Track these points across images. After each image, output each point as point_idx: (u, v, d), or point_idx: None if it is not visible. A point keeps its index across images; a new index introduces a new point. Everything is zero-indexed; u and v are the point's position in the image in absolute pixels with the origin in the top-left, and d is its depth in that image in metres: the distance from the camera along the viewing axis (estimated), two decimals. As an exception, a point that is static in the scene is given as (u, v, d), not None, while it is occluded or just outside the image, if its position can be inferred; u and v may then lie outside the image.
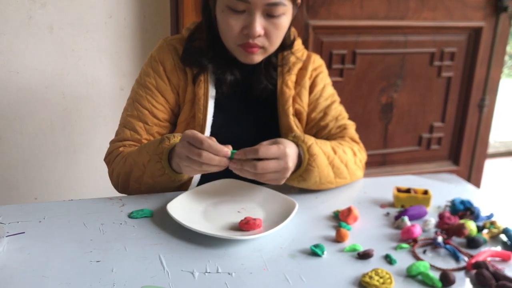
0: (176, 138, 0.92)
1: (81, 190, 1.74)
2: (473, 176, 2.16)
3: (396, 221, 0.88)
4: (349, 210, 0.87)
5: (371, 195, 1.01)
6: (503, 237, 0.84)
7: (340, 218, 0.88)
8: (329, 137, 1.10)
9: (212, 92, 1.04)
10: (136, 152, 0.97)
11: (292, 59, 1.09)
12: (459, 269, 0.73)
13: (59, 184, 1.71)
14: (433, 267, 0.73)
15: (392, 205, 0.96)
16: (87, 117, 1.67)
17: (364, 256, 0.75)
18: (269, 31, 0.95)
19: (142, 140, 1.05)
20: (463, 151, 2.10)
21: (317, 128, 1.11)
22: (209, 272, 0.70)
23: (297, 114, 1.09)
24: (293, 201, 0.89)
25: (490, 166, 2.93)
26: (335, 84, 1.22)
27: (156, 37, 1.66)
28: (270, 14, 0.94)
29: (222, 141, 1.03)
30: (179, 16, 1.58)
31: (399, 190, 0.97)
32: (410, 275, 0.71)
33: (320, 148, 0.96)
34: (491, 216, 0.91)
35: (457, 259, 0.76)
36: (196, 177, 1.04)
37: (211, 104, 1.04)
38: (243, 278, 0.69)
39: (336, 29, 1.73)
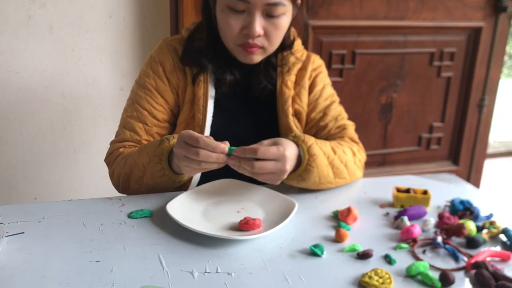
0: (176, 139, 0.93)
1: (81, 190, 1.74)
2: (472, 176, 2.16)
3: (395, 221, 0.88)
4: (348, 210, 0.87)
5: (371, 195, 1.01)
6: (503, 237, 0.84)
7: (340, 218, 0.88)
8: (328, 137, 1.10)
9: (211, 92, 1.04)
10: (136, 153, 0.98)
11: (292, 59, 1.09)
12: (458, 269, 0.74)
13: (59, 184, 1.71)
14: (432, 267, 0.74)
15: (391, 205, 0.96)
16: (87, 117, 1.67)
17: (364, 256, 0.75)
18: (268, 31, 0.96)
19: (142, 141, 1.05)
20: (462, 151, 2.10)
21: (317, 128, 1.11)
22: (209, 272, 0.70)
23: (297, 114, 1.09)
24: (293, 201, 0.89)
25: (489, 166, 2.93)
26: (334, 84, 1.22)
27: (156, 37, 1.66)
28: (270, 14, 0.94)
29: (221, 141, 1.04)
30: (179, 16, 1.58)
31: (398, 190, 0.97)
32: (409, 275, 0.71)
33: (320, 148, 0.96)
34: (490, 216, 0.91)
35: (456, 259, 0.76)
36: (196, 177, 1.04)
37: (210, 104, 1.04)
38: (243, 278, 0.69)
39: (336, 29, 1.73)
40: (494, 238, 0.85)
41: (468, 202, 0.93)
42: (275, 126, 1.09)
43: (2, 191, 1.65)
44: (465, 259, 0.77)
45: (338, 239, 0.80)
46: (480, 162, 2.16)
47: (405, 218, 0.86)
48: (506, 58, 3.20)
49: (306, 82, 1.10)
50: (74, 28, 1.57)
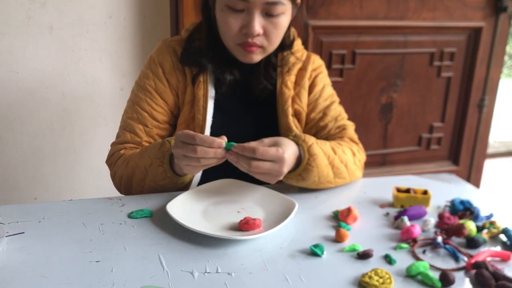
0: None
1: (81, 190, 1.74)
2: (472, 176, 2.16)
3: (395, 221, 0.88)
4: (348, 210, 0.87)
5: (371, 195, 1.01)
6: (503, 237, 0.84)
7: (340, 218, 0.88)
8: (328, 138, 1.10)
9: (211, 92, 1.04)
10: (138, 155, 0.98)
11: (292, 59, 1.09)
12: (458, 269, 0.74)
13: (59, 184, 1.71)
14: (432, 267, 0.74)
15: (391, 205, 0.96)
16: (87, 117, 1.67)
17: (364, 256, 0.75)
18: (268, 31, 0.96)
19: (142, 142, 1.05)
20: (462, 151, 2.10)
21: (316, 128, 1.11)
22: (209, 272, 0.70)
23: (297, 115, 1.09)
24: (293, 201, 0.89)
25: (489, 166, 2.93)
26: (334, 84, 1.22)
27: (156, 37, 1.66)
28: (269, 13, 0.94)
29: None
30: (179, 16, 1.58)
31: (398, 190, 0.97)
32: (409, 275, 0.71)
33: (320, 148, 0.96)
34: (490, 216, 0.91)
35: (456, 259, 0.76)
36: (196, 177, 1.04)
37: (210, 105, 1.04)
38: (243, 278, 0.69)
39: (336, 29, 1.73)
40: (494, 238, 0.85)
41: (468, 202, 0.93)
42: (275, 126, 1.09)
43: (2, 191, 1.65)
44: (465, 259, 0.77)
45: (338, 239, 0.80)
46: (480, 162, 2.16)
47: (405, 218, 0.86)
48: (506, 58, 3.20)
49: (306, 82, 1.10)
50: (74, 28, 1.57)
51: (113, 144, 1.09)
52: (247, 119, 1.10)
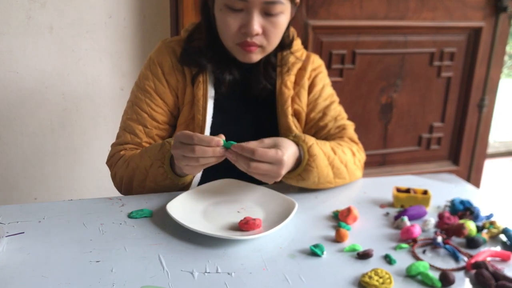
0: None
1: (81, 190, 1.74)
2: (472, 176, 2.16)
3: (395, 221, 0.88)
4: (348, 210, 0.87)
5: (371, 195, 1.01)
6: (503, 237, 0.84)
7: (340, 218, 0.88)
8: (328, 137, 1.10)
9: (211, 92, 1.04)
10: (138, 156, 0.98)
11: (291, 59, 1.09)
12: (458, 269, 0.74)
13: (59, 184, 1.71)
14: (432, 267, 0.74)
15: (391, 205, 0.96)
16: (87, 117, 1.67)
17: (364, 256, 0.75)
18: (267, 30, 0.96)
19: (142, 143, 1.05)
20: (462, 151, 2.10)
21: (316, 128, 1.11)
22: (209, 272, 0.70)
23: (296, 114, 1.09)
24: (293, 201, 0.89)
25: (489, 166, 2.93)
26: (334, 84, 1.22)
27: (156, 38, 1.66)
28: (268, 13, 0.94)
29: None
30: (179, 16, 1.58)
31: (398, 190, 0.97)
32: (409, 275, 0.71)
33: (320, 148, 0.96)
34: (490, 216, 0.91)
35: (456, 259, 0.76)
36: (196, 177, 1.04)
37: (210, 105, 1.04)
38: (243, 278, 0.69)
39: (336, 29, 1.73)
40: (494, 238, 0.85)
41: (468, 202, 0.93)
42: (274, 126, 1.09)
43: (2, 191, 1.65)
44: (465, 259, 0.77)
45: (338, 239, 0.80)
46: (480, 162, 2.16)
47: (405, 218, 0.86)
48: (506, 58, 3.20)
49: (306, 82, 1.10)
50: (74, 28, 1.57)
51: (113, 145, 1.09)
52: (247, 119, 1.10)
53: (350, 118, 1.17)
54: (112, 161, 1.06)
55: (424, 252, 0.78)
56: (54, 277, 0.67)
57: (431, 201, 0.96)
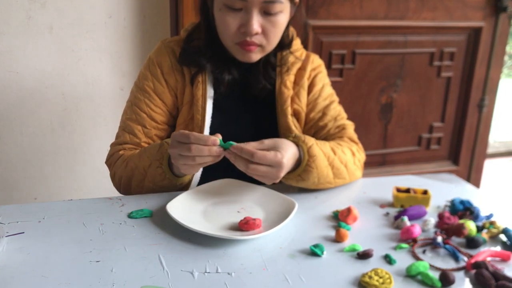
0: None
1: (81, 190, 1.74)
2: (472, 176, 2.16)
3: (395, 221, 0.88)
4: (348, 210, 0.87)
5: (371, 195, 1.01)
6: (503, 237, 0.84)
7: (340, 218, 0.88)
8: (327, 137, 1.10)
9: (210, 92, 1.04)
10: (137, 156, 0.98)
11: (291, 59, 1.09)
12: (458, 269, 0.74)
13: (59, 184, 1.71)
14: (432, 267, 0.74)
15: (391, 205, 0.96)
16: (87, 117, 1.67)
17: (364, 256, 0.75)
18: (266, 29, 0.96)
19: (141, 143, 1.05)
20: (462, 151, 2.10)
21: (316, 128, 1.11)
22: (209, 272, 0.70)
23: (296, 114, 1.09)
24: (293, 201, 0.89)
25: (489, 166, 2.93)
26: (334, 84, 1.22)
27: (156, 37, 1.66)
28: (267, 12, 0.94)
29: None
30: (179, 16, 1.58)
31: (398, 190, 0.97)
32: (409, 275, 0.71)
33: (320, 149, 0.96)
34: (490, 216, 0.91)
35: (456, 259, 0.76)
36: (196, 177, 1.04)
37: (209, 105, 1.04)
38: (243, 278, 0.69)
39: (336, 29, 1.73)
40: (494, 238, 0.85)
41: (468, 202, 0.93)
42: (274, 126, 1.09)
43: (2, 191, 1.65)
44: (465, 259, 0.77)
45: (338, 239, 0.80)
46: (480, 162, 2.16)
47: (405, 218, 0.86)
48: (506, 58, 3.20)
49: (305, 82, 1.10)
50: (74, 28, 1.57)
51: (112, 145, 1.09)
52: (246, 119, 1.10)
53: (350, 118, 1.17)
54: (111, 161, 1.07)
55: (424, 252, 0.78)
56: (54, 277, 0.67)
57: (431, 201, 0.96)
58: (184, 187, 1.01)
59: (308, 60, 1.12)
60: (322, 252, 0.76)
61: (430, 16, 1.83)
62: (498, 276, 0.69)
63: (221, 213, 0.87)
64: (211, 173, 0.99)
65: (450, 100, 2.02)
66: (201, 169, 1.03)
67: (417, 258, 0.76)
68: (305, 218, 0.89)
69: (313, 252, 0.76)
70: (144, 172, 0.95)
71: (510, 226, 0.85)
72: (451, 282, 0.69)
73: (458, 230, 0.82)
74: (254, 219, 0.81)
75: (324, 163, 0.96)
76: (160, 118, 1.06)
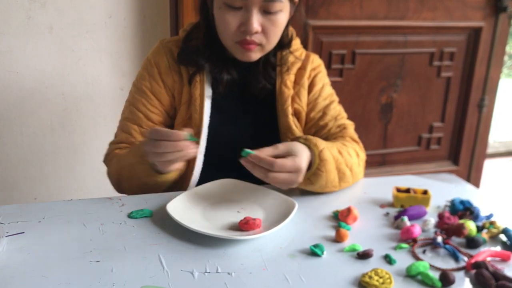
0: None
1: (81, 190, 1.74)
2: (472, 176, 2.16)
3: (395, 221, 0.88)
4: (348, 210, 0.87)
5: (371, 195, 1.01)
6: (503, 237, 0.84)
7: (340, 218, 0.88)
8: (328, 137, 1.10)
9: (208, 92, 1.04)
10: (125, 154, 1.00)
11: (291, 58, 1.09)
12: (458, 269, 0.74)
13: (59, 184, 1.71)
14: (432, 267, 0.74)
15: (391, 205, 0.96)
16: (87, 117, 1.67)
17: (364, 256, 0.75)
18: (266, 28, 0.96)
19: (136, 143, 1.05)
20: (462, 151, 2.10)
21: (316, 127, 1.11)
22: (209, 272, 0.70)
23: (296, 114, 1.09)
24: (293, 201, 0.89)
25: (489, 166, 2.93)
26: (334, 84, 1.22)
27: (156, 37, 1.66)
28: (267, 11, 0.94)
29: (219, 141, 1.04)
30: (178, 16, 1.58)
31: (398, 190, 0.97)
32: (409, 275, 0.71)
33: (330, 153, 0.95)
34: (490, 216, 0.91)
35: (456, 259, 0.76)
36: (195, 177, 1.04)
37: (207, 105, 1.04)
38: (243, 278, 0.69)
39: (336, 29, 1.73)
40: (494, 238, 0.85)
41: (468, 202, 0.93)
42: (274, 125, 1.09)
43: (2, 191, 1.65)
44: (465, 259, 0.77)
45: (338, 239, 0.80)
46: (480, 162, 2.16)
47: (405, 218, 0.86)
48: (506, 58, 3.21)
49: (306, 82, 1.10)
50: (74, 28, 1.57)
51: (110, 144, 1.10)
52: (245, 119, 1.09)
53: (350, 118, 1.17)
54: (107, 160, 1.08)
55: (424, 252, 0.78)
56: (54, 277, 0.67)
57: (431, 201, 0.96)
58: (182, 185, 1.01)
59: (308, 60, 1.12)
60: (322, 252, 0.76)
61: (430, 16, 1.84)
62: (498, 276, 0.69)
63: (221, 213, 0.87)
64: (212, 173, 0.99)
65: (450, 100, 2.02)
66: (199, 169, 1.03)
67: (417, 258, 0.76)
68: (305, 218, 0.89)
69: (313, 252, 0.76)
70: (132, 170, 0.96)
71: (510, 226, 0.85)
72: (451, 282, 0.69)
73: (458, 230, 0.82)
74: (254, 219, 0.81)
75: (333, 166, 0.95)
76: (157, 118, 1.06)
